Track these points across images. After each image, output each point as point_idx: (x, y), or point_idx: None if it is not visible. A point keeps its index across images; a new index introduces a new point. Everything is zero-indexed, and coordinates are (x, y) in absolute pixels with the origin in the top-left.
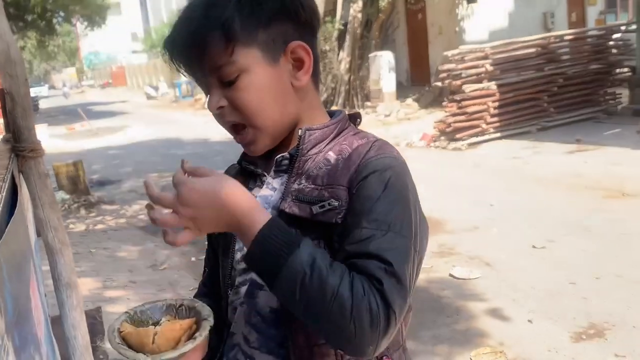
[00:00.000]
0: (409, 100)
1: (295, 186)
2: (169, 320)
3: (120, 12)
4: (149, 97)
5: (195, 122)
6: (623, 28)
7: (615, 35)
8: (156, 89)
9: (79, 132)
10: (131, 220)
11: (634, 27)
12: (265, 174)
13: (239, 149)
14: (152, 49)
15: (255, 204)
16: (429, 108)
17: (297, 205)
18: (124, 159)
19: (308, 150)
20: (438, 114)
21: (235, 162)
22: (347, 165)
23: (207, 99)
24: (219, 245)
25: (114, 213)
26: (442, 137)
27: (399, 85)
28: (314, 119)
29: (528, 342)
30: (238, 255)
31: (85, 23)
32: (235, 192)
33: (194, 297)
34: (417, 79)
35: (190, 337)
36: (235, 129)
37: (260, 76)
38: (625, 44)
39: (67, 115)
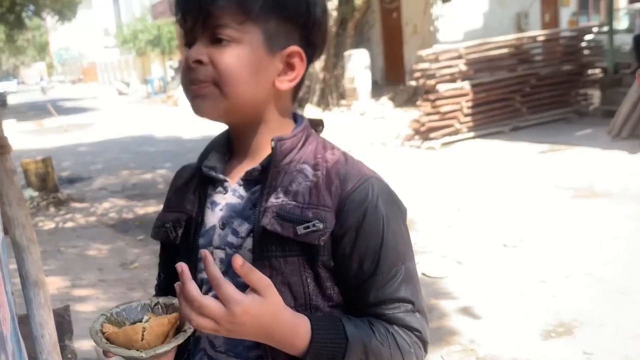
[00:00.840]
0: (384, 99)
1: (273, 200)
2: (155, 316)
3: (92, 6)
4: (121, 93)
5: (167, 119)
6: (595, 30)
7: (587, 37)
8: (128, 85)
9: (48, 128)
10: (101, 218)
11: (605, 29)
12: (228, 179)
13: None
14: (124, 45)
15: (297, 320)
16: (403, 107)
17: (279, 224)
18: (94, 155)
19: (280, 161)
20: (412, 113)
21: (190, 164)
22: (328, 184)
23: (189, 50)
24: (177, 252)
25: (84, 211)
26: (416, 136)
27: (374, 83)
28: (280, 126)
29: (498, 340)
30: (201, 265)
31: (56, 17)
32: (283, 314)
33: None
34: (392, 77)
35: (177, 332)
36: (196, 81)
37: (249, 54)
38: (597, 45)
39: (36, 111)
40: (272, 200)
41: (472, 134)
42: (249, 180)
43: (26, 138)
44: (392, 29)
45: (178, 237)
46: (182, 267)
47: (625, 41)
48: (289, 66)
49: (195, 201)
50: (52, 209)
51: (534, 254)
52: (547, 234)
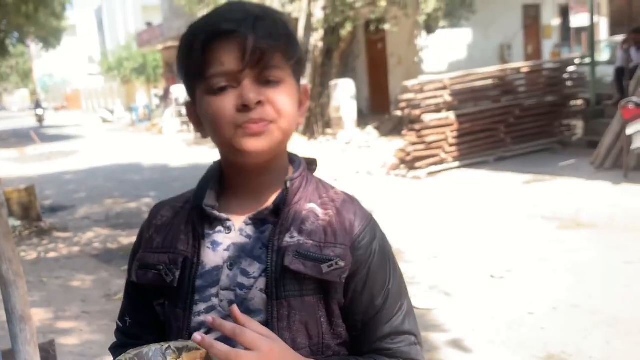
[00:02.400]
0: (369, 128)
1: (289, 240)
2: (185, 353)
3: (76, 34)
4: (105, 120)
5: (152, 147)
6: (577, 61)
7: (569, 69)
8: (112, 112)
9: (31, 155)
10: (85, 248)
11: (587, 61)
12: (231, 220)
13: (198, 175)
14: (109, 72)
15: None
16: (388, 136)
17: (302, 263)
18: (78, 184)
19: (292, 200)
20: (398, 142)
21: (166, 201)
22: (341, 223)
23: (245, 93)
24: (157, 295)
25: (67, 241)
26: (402, 166)
27: (360, 113)
28: (285, 164)
29: None
30: (201, 307)
31: (40, 44)
32: (298, 353)
33: (113, 348)
34: (377, 107)
35: None
36: (257, 120)
37: (293, 94)
38: (579, 77)
39: (18, 138)
40: (288, 239)
41: (457, 163)
42: (257, 220)
43: (8, 166)
44: (377, 59)
45: (176, 280)
46: (214, 321)
47: (606, 73)
48: (302, 100)
49: (189, 241)
50: (34, 239)
51: (520, 285)
52: (534, 265)
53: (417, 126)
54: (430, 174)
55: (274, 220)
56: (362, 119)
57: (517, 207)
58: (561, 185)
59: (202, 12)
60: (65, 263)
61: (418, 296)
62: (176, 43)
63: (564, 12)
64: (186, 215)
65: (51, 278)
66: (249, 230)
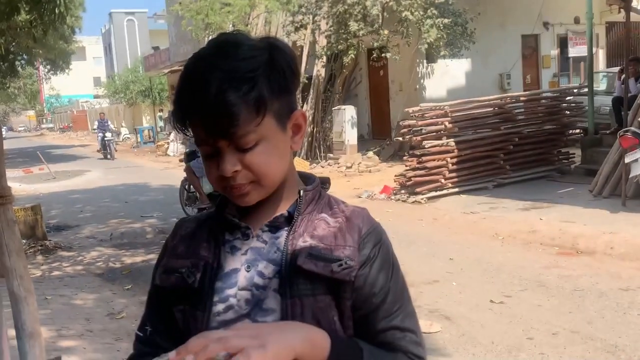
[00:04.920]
0: (370, 153)
1: (302, 243)
2: None
3: (85, 57)
4: None
5: (156, 168)
6: (575, 91)
7: (568, 98)
8: (118, 134)
9: (37, 175)
10: (89, 267)
11: (585, 90)
12: (250, 227)
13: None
14: (115, 95)
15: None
16: (389, 161)
17: (314, 263)
18: (83, 204)
19: (305, 209)
20: (398, 168)
21: (190, 216)
22: (350, 228)
23: (221, 163)
24: (178, 299)
25: (71, 259)
26: (402, 191)
27: (361, 138)
28: (294, 178)
29: None
30: (220, 307)
31: (48, 67)
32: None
33: (131, 359)
34: (378, 132)
35: None
36: (236, 186)
37: (273, 142)
38: (577, 106)
39: (25, 157)
40: (301, 243)
41: (456, 189)
42: (273, 227)
43: (14, 185)
44: (379, 86)
45: (197, 281)
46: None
47: (604, 102)
48: (296, 127)
49: (211, 247)
50: (39, 257)
51: (520, 310)
52: (533, 290)
53: (417, 152)
54: (430, 199)
55: (288, 227)
56: (364, 144)
57: (516, 233)
58: (559, 212)
59: (208, 38)
60: (69, 281)
61: (419, 320)
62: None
63: (563, 43)
64: (209, 226)
65: (55, 296)
66: (265, 236)
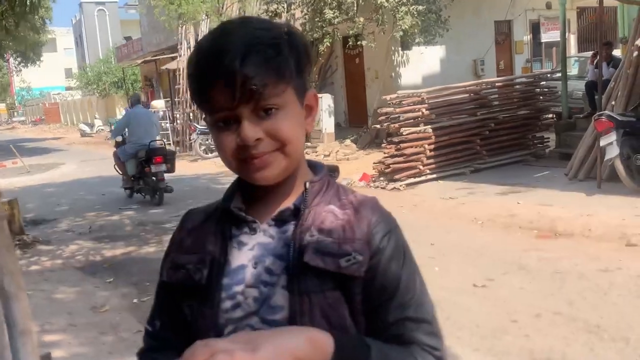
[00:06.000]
0: (348, 141)
1: (309, 238)
2: None
3: (56, 49)
4: (84, 134)
5: None
6: (549, 76)
7: (541, 83)
8: (91, 126)
9: (10, 169)
10: (68, 260)
11: (558, 75)
12: (257, 221)
13: (178, 188)
14: (88, 86)
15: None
16: (367, 149)
17: (320, 258)
18: (59, 197)
19: (312, 201)
20: (376, 155)
21: (197, 208)
22: (359, 220)
23: (242, 131)
24: (186, 295)
25: (50, 253)
26: (381, 178)
27: (338, 126)
28: (304, 167)
29: None
30: (228, 304)
31: (19, 59)
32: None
33: (141, 353)
34: (355, 120)
35: None
36: (258, 155)
37: (294, 114)
38: (551, 91)
39: None
40: (308, 238)
41: (434, 175)
42: (279, 221)
43: None
44: (355, 73)
45: (204, 278)
46: None
47: (576, 87)
48: (308, 108)
49: (218, 242)
50: (17, 252)
51: (503, 293)
52: (514, 274)
53: (395, 139)
54: (409, 185)
55: (294, 221)
56: (341, 133)
57: (495, 217)
58: (536, 195)
59: (181, 27)
60: (49, 276)
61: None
62: (155, 57)
63: (535, 28)
64: (216, 219)
65: (36, 291)
66: (272, 230)
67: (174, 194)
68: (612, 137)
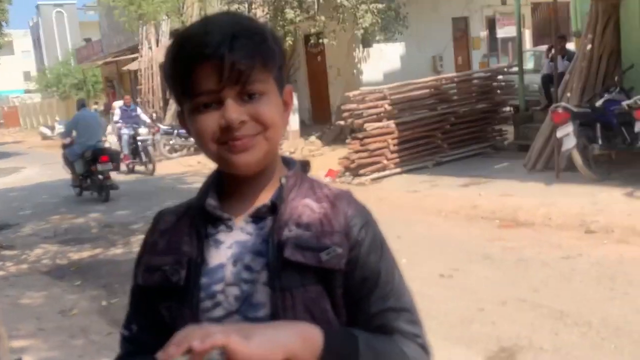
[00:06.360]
0: (312, 138)
1: (287, 233)
2: None
3: (13, 51)
4: (45, 137)
5: None
6: (505, 70)
7: (499, 77)
8: (52, 128)
9: None
10: (34, 265)
11: (515, 69)
12: (233, 218)
13: (143, 189)
14: (47, 89)
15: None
16: (331, 145)
17: (301, 253)
18: (22, 201)
19: (287, 197)
20: (341, 151)
21: (169, 207)
22: (335, 212)
23: (227, 113)
24: (163, 297)
25: (15, 258)
26: (347, 173)
27: (302, 123)
28: (279, 163)
29: None
30: (208, 303)
31: None
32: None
33: (118, 359)
34: (319, 117)
35: None
36: (241, 137)
37: (275, 102)
38: (508, 84)
39: None
40: (286, 233)
41: (398, 169)
42: (256, 217)
43: None
44: (317, 71)
45: (182, 279)
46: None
47: (532, 80)
48: (286, 103)
49: (193, 242)
50: None
51: (469, 282)
52: (479, 263)
53: (359, 135)
54: (374, 180)
55: (272, 217)
56: (305, 130)
57: (458, 209)
58: (497, 186)
59: (141, 28)
60: (14, 281)
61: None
62: (116, 58)
63: (491, 24)
64: (190, 218)
65: (1, 297)
66: (249, 227)
67: (140, 194)
68: (569, 128)
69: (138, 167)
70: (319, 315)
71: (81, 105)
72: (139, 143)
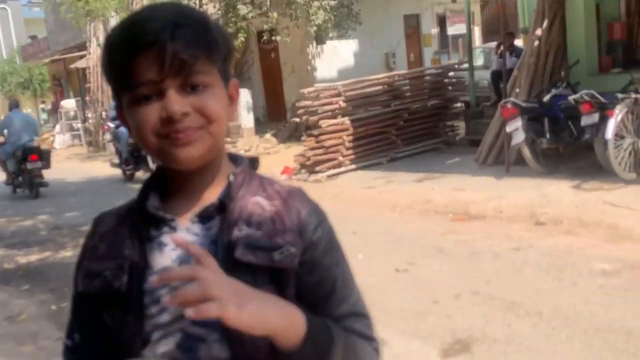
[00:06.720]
0: (268, 136)
1: (237, 233)
2: None
3: None
4: None
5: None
6: (456, 67)
7: (450, 74)
8: None
9: None
10: None
11: (465, 65)
12: (176, 219)
13: (95, 189)
14: None
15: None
16: (287, 142)
17: (252, 253)
18: None
19: (236, 195)
20: (296, 148)
21: (110, 210)
22: (288, 211)
23: (169, 104)
24: (106, 304)
25: None
26: (303, 170)
27: (257, 121)
28: (226, 160)
29: None
30: (153, 309)
31: None
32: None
33: None
34: (274, 115)
35: None
36: (184, 129)
37: (220, 95)
38: (459, 81)
39: None
40: (236, 232)
41: (354, 166)
42: (203, 217)
43: None
44: (271, 68)
45: (124, 285)
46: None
47: (482, 77)
48: (231, 98)
49: (135, 245)
50: None
51: (424, 276)
52: (433, 257)
53: (315, 132)
54: (330, 176)
55: (220, 216)
56: (260, 127)
57: (412, 204)
58: (450, 181)
59: (89, 25)
60: None
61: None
62: (63, 56)
63: (442, 22)
64: (131, 220)
65: None
66: (196, 228)
67: (93, 195)
68: (518, 122)
69: (139, 174)
70: None
71: (14, 105)
72: None
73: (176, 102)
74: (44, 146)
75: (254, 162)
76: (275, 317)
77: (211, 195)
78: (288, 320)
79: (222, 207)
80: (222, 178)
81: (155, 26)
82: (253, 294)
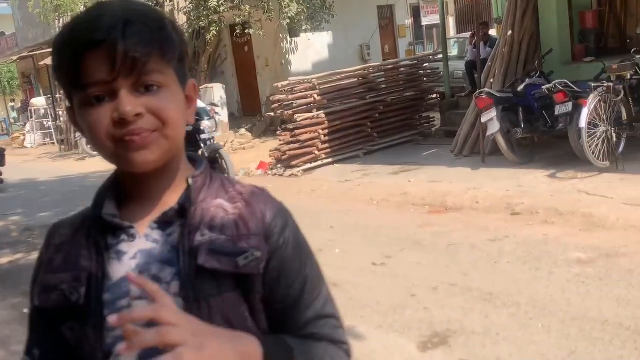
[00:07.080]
0: (243, 131)
1: (200, 238)
2: None
3: None
4: None
5: (14, 162)
6: (431, 57)
7: (425, 65)
8: None
9: None
10: None
11: (440, 56)
12: (134, 226)
13: (66, 190)
14: None
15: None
16: (262, 137)
17: (216, 259)
18: None
19: (197, 198)
20: (272, 143)
21: (64, 220)
22: (252, 214)
23: (121, 105)
24: (64, 318)
25: None
26: (279, 165)
27: (231, 116)
28: (184, 163)
29: (380, 357)
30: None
31: None
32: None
33: None
34: (249, 109)
35: None
36: (138, 132)
37: (176, 95)
38: (433, 72)
39: None
40: (199, 238)
41: (330, 159)
42: (163, 223)
43: None
44: (245, 62)
45: (82, 297)
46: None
47: (457, 67)
48: (189, 98)
49: (92, 256)
50: None
51: (401, 269)
52: (410, 249)
53: (290, 126)
54: (306, 170)
55: (181, 221)
56: (235, 122)
57: (389, 196)
58: (426, 173)
59: (58, 20)
60: None
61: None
62: (32, 53)
63: (416, 12)
64: (86, 230)
65: None
66: (155, 234)
67: (65, 195)
68: (493, 113)
69: None
70: (238, 322)
71: None
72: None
73: (128, 102)
74: (15, 146)
75: (214, 162)
76: (231, 351)
77: (170, 199)
78: (245, 353)
79: (182, 211)
80: (181, 181)
81: (106, 23)
82: (210, 332)
